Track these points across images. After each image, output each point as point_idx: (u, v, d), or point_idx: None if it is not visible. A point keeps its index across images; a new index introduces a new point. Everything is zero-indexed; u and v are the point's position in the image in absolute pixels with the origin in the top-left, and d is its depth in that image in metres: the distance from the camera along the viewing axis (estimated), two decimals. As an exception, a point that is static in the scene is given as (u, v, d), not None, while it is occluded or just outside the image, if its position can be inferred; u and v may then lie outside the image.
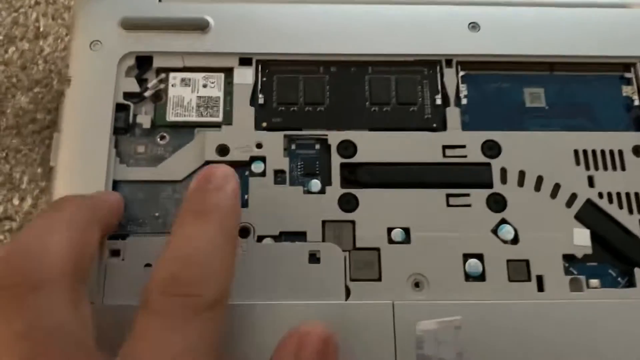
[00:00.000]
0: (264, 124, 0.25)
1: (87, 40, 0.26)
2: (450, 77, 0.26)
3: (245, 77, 0.26)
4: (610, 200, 0.24)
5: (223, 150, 0.25)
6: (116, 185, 0.24)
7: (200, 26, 0.26)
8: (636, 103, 0.26)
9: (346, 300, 0.22)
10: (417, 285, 0.23)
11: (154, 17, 0.26)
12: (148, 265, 0.22)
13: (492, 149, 0.25)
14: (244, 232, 0.23)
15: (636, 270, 0.23)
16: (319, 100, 0.26)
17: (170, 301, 0.17)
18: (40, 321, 0.16)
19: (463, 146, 0.25)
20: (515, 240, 0.24)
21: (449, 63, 0.26)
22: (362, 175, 0.25)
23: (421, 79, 0.27)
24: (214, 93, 0.26)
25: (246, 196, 0.24)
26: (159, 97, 0.26)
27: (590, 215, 0.24)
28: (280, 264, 0.23)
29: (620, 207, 0.24)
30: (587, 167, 0.25)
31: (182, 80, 0.26)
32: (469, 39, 0.26)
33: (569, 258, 0.23)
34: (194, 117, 0.25)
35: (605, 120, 0.26)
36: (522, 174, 0.25)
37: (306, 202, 0.24)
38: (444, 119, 0.26)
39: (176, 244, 0.19)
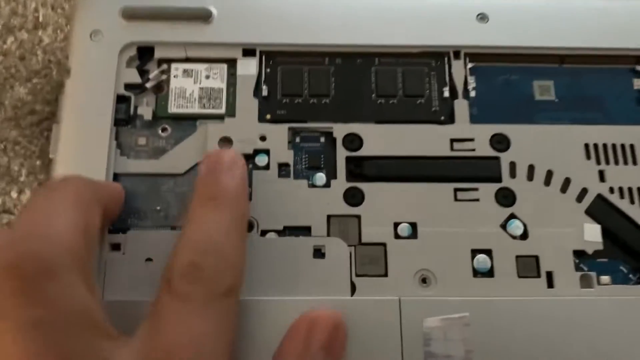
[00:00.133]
0: (268, 116, 0.25)
1: (87, 30, 0.25)
2: (458, 69, 0.26)
3: (248, 68, 0.26)
4: (622, 195, 0.24)
5: (226, 142, 0.24)
6: (117, 178, 0.24)
7: (203, 16, 0.26)
8: (647, 96, 0.26)
9: (351, 296, 0.22)
10: (424, 281, 0.23)
11: (155, 7, 0.26)
12: (149, 259, 0.22)
13: (501, 142, 0.25)
14: (248, 226, 0.23)
15: (648, 266, 0.23)
16: (324, 92, 0.26)
17: (192, 287, 0.18)
18: (59, 307, 0.16)
19: (471, 139, 0.25)
20: (524, 236, 0.23)
21: (457, 55, 0.26)
22: (368, 169, 0.24)
23: (429, 71, 0.26)
24: (216, 84, 0.25)
25: (250, 190, 0.24)
26: (161, 88, 0.26)
27: (601, 210, 0.24)
28: (284, 259, 0.22)
29: (632, 202, 0.24)
30: (598, 162, 0.24)
31: (184, 71, 0.26)
32: (477, 30, 0.26)
33: (579, 254, 0.23)
34: (196, 109, 0.25)
35: (616, 114, 0.26)
36: (531, 168, 0.24)
37: (311, 196, 0.24)
38: (452, 112, 0.25)
39: (192, 232, 0.19)
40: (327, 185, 0.24)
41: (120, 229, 0.23)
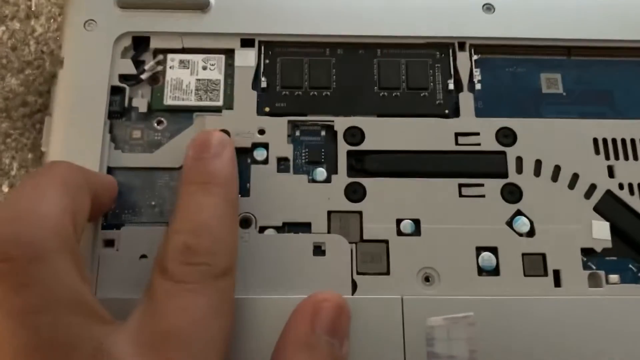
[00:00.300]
0: (267, 109, 0.25)
1: (81, 20, 0.25)
2: (464, 61, 0.25)
3: (247, 59, 0.25)
4: (632, 192, 0.24)
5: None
6: (111, 172, 0.23)
7: (200, 5, 0.25)
8: (658, 90, 0.26)
9: (353, 294, 0.22)
10: (427, 279, 0.22)
11: (151, -5, 0.25)
12: (144, 256, 0.22)
13: (507, 136, 0.24)
14: (246, 222, 0.23)
15: (658, 265, 0.23)
16: (325, 84, 0.25)
17: (188, 269, 0.18)
18: (50, 292, 0.16)
19: (477, 134, 0.24)
20: (531, 233, 0.23)
21: (462, 46, 0.26)
22: (370, 164, 0.24)
23: (433, 63, 0.26)
24: (214, 76, 0.25)
25: (248, 185, 0.23)
26: (156, 79, 0.25)
27: (610, 207, 0.23)
28: (283, 256, 0.22)
29: (642, 198, 0.24)
30: (607, 157, 0.24)
31: (181, 62, 0.25)
32: (483, 21, 0.26)
33: (587, 252, 0.23)
34: (192, 101, 0.25)
35: (626, 108, 0.25)
36: (538, 163, 0.24)
37: (311, 192, 0.23)
38: (457, 105, 0.25)
39: (184, 216, 0.19)
40: (327, 180, 0.24)
41: (114, 225, 0.23)
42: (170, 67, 0.25)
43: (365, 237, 0.23)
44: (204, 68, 0.25)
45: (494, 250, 0.22)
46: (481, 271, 0.22)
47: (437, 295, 0.22)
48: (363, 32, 0.25)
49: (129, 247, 0.22)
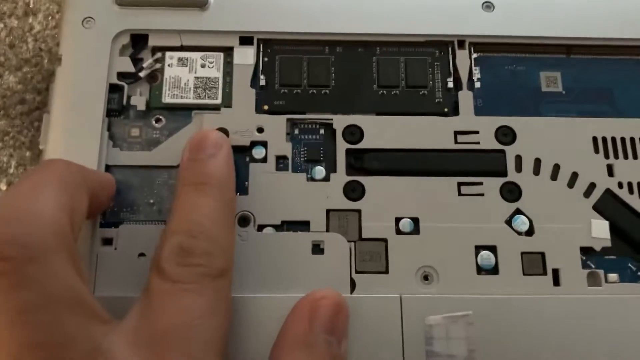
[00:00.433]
0: (266, 107, 0.24)
1: (79, 17, 0.25)
2: (463, 59, 0.25)
3: (246, 57, 0.25)
4: (631, 191, 0.24)
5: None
6: (109, 170, 0.23)
7: (199, 3, 0.25)
8: (658, 88, 0.25)
9: (351, 293, 0.22)
10: (426, 278, 0.22)
11: (149, -7, 0.25)
12: (142, 254, 0.22)
13: (506, 135, 0.24)
14: (244, 220, 0.23)
15: (657, 264, 0.23)
16: (324, 82, 0.25)
17: (184, 270, 0.18)
18: (46, 291, 0.16)
19: (476, 132, 0.24)
20: (530, 232, 0.23)
21: (461, 44, 0.26)
22: (369, 162, 0.24)
23: (432, 61, 0.26)
24: (212, 74, 0.25)
25: (246, 183, 0.23)
26: (155, 77, 0.25)
27: (609, 205, 0.23)
28: (282, 254, 0.22)
29: (641, 197, 0.23)
30: (607, 156, 0.24)
31: (179, 59, 0.25)
32: (482, 19, 0.25)
33: (586, 251, 0.23)
34: (191, 99, 0.24)
35: (626, 106, 0.25)
36: (537, 162, 0.24)
37: (309, 190, 0.23)
38: (456, 104, 0.25)
39: (180, 217, 0.19)
40: (326, 178, 0.23)
41: (112, 223, 0.22)
42: (169, 65, 0.25)
43: (364, 235, 0.22)
44: (203, 66, 0.25)
45: (493, 249, 0.22)
46: (480, 270, 0.22)
47: (436, 294, 0.22)
48: (362, 30, 0.25)
49: (127, 245, 0.22)
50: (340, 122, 0.24)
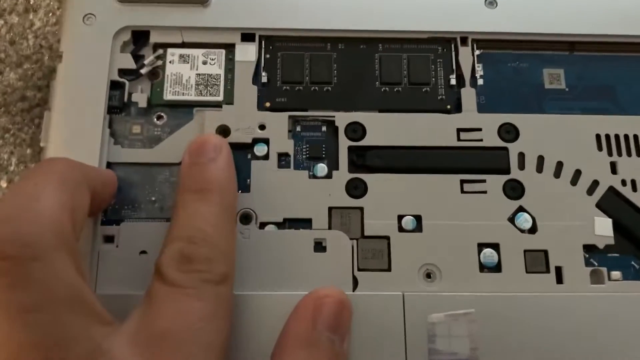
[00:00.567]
0: (268, 104, 0.24)
1: (80, 14, 0.25)
2: (466, 56, 0.25)
3: (247, 53, 0.25)
4: (634, 188, 0.23)
5: (224, 131, 0.24)
6: (110, 167, 0.23)
7: (200, -1, 0.25)
8: (662, 85, 0.25)
9: (354, 291, 0.22)
10: (428, 276, 0.22)
11: (151, -11, 0.25)
12: (143, 252, 0.22)
13: (509, 132, 0.24)
14: (246, 218, 0.23)
15: (661, 262, 0.23)
16: (326, 79, 0.25)
17: (185, 275, 0.18)
18: (47, 290, 0.16)
19: (479, 129, 0.24)
20: (533, 230, 0.23)
21: (464, 41, 0.25)
22: (371, 159, 0.24)
23: (435, 58, 0.25)
24: (214, 70, 0.25)
25: (248, 180, 0.23)
26: (156, 74, 0.25)
27: (612, 203, 0.23)
28: (284, 252, 0.22)
29: (645, 195, 0.23)
30: (610, 153, 0.24)
31: (181, 56, 0.25)
32: (485, 16, 0.25)
33: (589, 249, 0.23)
34: (192, 96, 0.24)
35: (629, 104, 0.25)
36: (540, 160, 0.24)
37: (312, 187, 0.23)
38: (459, 101, 0.25)
39: (181, 224, 0.19)
40: (328, 176, 0.23)
41: (114, 221, 0.22)
42: (170, 62, 0.25)
43: (366, 233, 0.22)
44: (204, 63, 0.25)
45: (495, 246, 0.22)
46: (483, 268, 0.22)
47: (438, 292, 0.21)
48: (364, 26, 0.25)
49: (129, 243, 0.22)
50: (342, 119, 0.24)
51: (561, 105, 0.25)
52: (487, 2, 0.25)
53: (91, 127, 0.23)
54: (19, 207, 0.17)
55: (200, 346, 0.17)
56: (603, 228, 0.23)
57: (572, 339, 0.21)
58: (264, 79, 0.25)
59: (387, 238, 0.22)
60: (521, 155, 0.24)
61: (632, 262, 0.23)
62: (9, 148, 0.27)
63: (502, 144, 0.24)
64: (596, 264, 0.23)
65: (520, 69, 0.25)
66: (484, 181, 0.23)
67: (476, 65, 0.25)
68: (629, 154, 0.24)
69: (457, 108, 0.24)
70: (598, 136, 0.24)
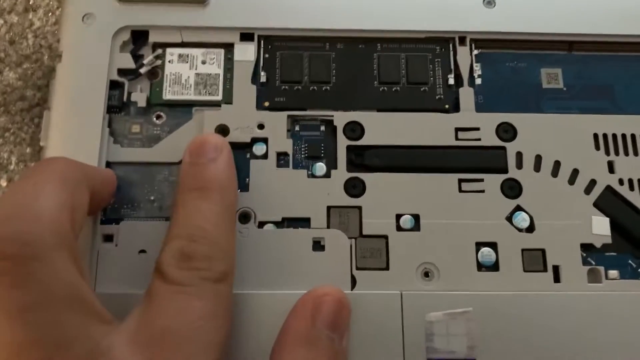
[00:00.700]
0: (266, 104, 0.24)
1: (79, 13, 0.25)
2: (464, 56, 0.25)
3: (246, 53, 0.25)
4: (632, 187, 0.23)
5: (223, 130, 0.24)
6: (109, 166, 0.23)
7: (199, -1, 0.25)
8: (659, 85, 0.25)
9: (352, 290, 0.22)
10: (426, 274, 0.22)
11: (150, -11, 0.25)
12: (143, 251, 0.22)
13: (507, 131, 0.24)
14: (245, 217, 0.23)
15: (658, 261, 0.23)
16: (325, 78, 0.25)
17: (185, 273, 0.18)
18: (47, 290, 0.16)
19: (477, 129, 0.24)
20: (530, 229, 0.23)
21: (462, 41, 0.25)
22: (370, 159, 0.24)
23: (433, 57, 0.25)
24: (213, 70, 0.25)
25: (247, 179, 0.23)
26: (155, 74, 0.25)
27: (610, 202, 0.23)
28: (283, 251, 0.22)
29: (642, 194, 0.23)
30: (607, 152, 0.24)
31: (180, 56, 0.25)
32: (483, 15, 0.25)
33: (587, 248, 0.23)
34: (191, 96, 0.24)
35: (627, 103, 0.25)
36: (538, 159, 0.24)
37: (310, 187, 0.23)
38: (457, 100, 0.25)
39: (181, 223, 0.19)
40: (327, 175, 0.23)
41: (113, 220, 0.22)
42: (169, 62, 0.25)
43: (364, 232, 0.22)
44: (203, 62, 0.25)
45: (493, 245, 0.22)
46: (481, 266, 0.22)
47: (436, 291, 0.22)
48: (363, 26, 0.25)
49: (128, 242, 0.22)
50: (341, 118, 0.24)
51: (559, 105, 0.25)
52: (485, 2, 0.25)
53: (91, 126, 0.23)
54: (18, 206, 0.17)
55: (200, 345, 0.17)
56: (600, 227, 0.23)
57: (569, 338, 0.21)
58: (263, 79, 0.25)
59: (386, 237, 0.22)
60: (519, 155, 0.24)
61: (629, 261, 0.23)
62: (9, 147, 0.27)
63: (500, 143, 0.24)
64: (593, 262, 0.23)
65: (518, 68, 0.25)
66: (481, 180, 0.23)
67: (474, 64, 0.25)
68: (626, 153, 0.24)
69: (455, 107, 0.25)
70: (596, 135, 0.24)
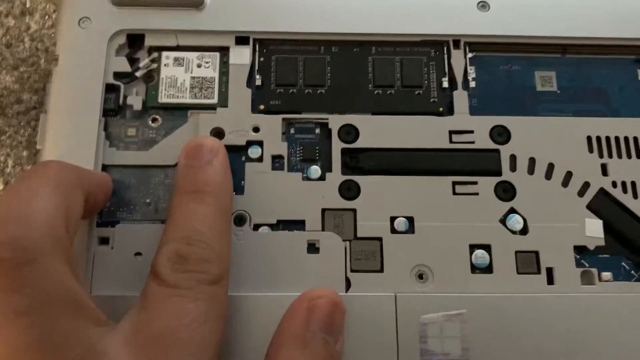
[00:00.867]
0: (262, 107, 0.24)
1: (75, 17, 0.25)
2: (458, 59, 0.25)
3: (241, 56, 0.25)
4: (625, 190, 0.24)
5: (218, 133, 0.24)
6: (105, 169, 0.23)
7: (195, 3, 0.25)
8: (652, 88, 0.25)
9: (346, 292, 0.22)
10: (420, 277, 0.22)
11: (146, -7, 0.25)
12: (138, 254, 0.22)
13: (501, 134, 0.24)
14: (240, 220, 0.23)
15: (650, 263, 0.23)
16: (320, 82, 0.25)
17: (180, 276, 0.18)
18: (42, 293, 0.16)
19: (471, 132, 0.24)
20: (524, 231, 0.23)
21: (456, 44, 0.26)
22: (364, 162, 0.24)
23: (427, 61, 0.26)
24: (208, 73, 0.25)
25: (242, 182, 0.23)
26: (151, 77, 0.25)
27: (603, 205, 0.23)
28: (278, 253, 0.22)
29: (635, 196, 0.23)
30: (601, 155, 0.24)
31: (176, 59, 0.25)
32: (477, 19, 0.25)
33: (580, 250, 0.23)
34: (187, 99, 0.24)
35: (620, 106, 0.25)
36: (532, 162, 0.24)
37: (305, 189, 0.23)
38: (451, 103, 0.25)
39: (177, 225, 0.20)
40: (322, 178, 0.23)
41: (109, 223, 0.22)
42: (165, 65, 0.25)
43: (359, 234, 0.22)
44: (199, 66, 0.25)
45: (487, 247, 0.22)
46: (474, 269, 0.22)
47: (430, 293, 0.22)
48: (358, 29, 0.25)
49: (124, 244, 0.22)
50: (335, 121, 0.24)
51: (553, 108, 0.25)
52: (479, 5, 0.26)
53: (87, 129, 0.23)
54: (13, 210, 0.17)
55: (195, 346, 0.17)
56: (594, 229, 0.23)
57: (563, 340, 0.21)
58: (258, 82, 0.25)
59: (380, 239, 0.22)
60: (513, 157, 0.24)
61: (623, 263, 0.23)
62: (6, 150, 0.27)
63: (494, 146, 0.24)
64: (587, 265, 0.23)
65: (513, 71, 0.25)
66: (475, 183, 0.23)
67: (468, 68, 0.25)
68: (619, 155, 0.24)
69: (450, 110, 0.25)
70: (589, 138, 0.24)
